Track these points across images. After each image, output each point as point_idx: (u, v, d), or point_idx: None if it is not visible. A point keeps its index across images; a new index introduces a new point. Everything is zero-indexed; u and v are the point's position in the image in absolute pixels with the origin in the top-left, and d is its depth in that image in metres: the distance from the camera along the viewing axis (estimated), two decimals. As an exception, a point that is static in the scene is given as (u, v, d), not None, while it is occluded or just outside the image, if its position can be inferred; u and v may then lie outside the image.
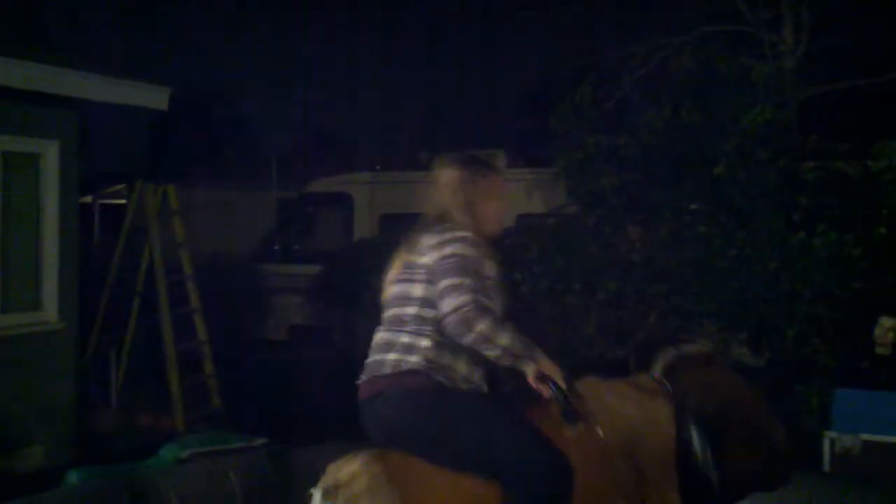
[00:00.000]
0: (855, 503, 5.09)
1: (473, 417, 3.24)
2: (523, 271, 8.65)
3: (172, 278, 7.78)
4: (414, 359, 3.27)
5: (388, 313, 3.41)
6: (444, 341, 3.28)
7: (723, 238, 8.27)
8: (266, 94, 16.69)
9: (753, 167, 8.39)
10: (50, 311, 6.92)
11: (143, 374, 7.59)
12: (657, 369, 3.54)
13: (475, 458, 3.18)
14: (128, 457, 5.43)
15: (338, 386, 8.29)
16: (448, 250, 3.30)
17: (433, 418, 3.24)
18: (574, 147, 9.29)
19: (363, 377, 3.38)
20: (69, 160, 7.09)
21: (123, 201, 9.12)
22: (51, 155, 7.03)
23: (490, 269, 3.38)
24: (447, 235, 3.34)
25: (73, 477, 4.98)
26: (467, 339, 3.20)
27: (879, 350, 6.66)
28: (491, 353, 3.22)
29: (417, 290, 3.33)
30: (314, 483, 5.25)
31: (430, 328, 3.29)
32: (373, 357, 3.38)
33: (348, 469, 3.17)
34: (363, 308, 9.74)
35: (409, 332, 3.31)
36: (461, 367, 3.32)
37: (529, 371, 3.25)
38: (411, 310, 3.32)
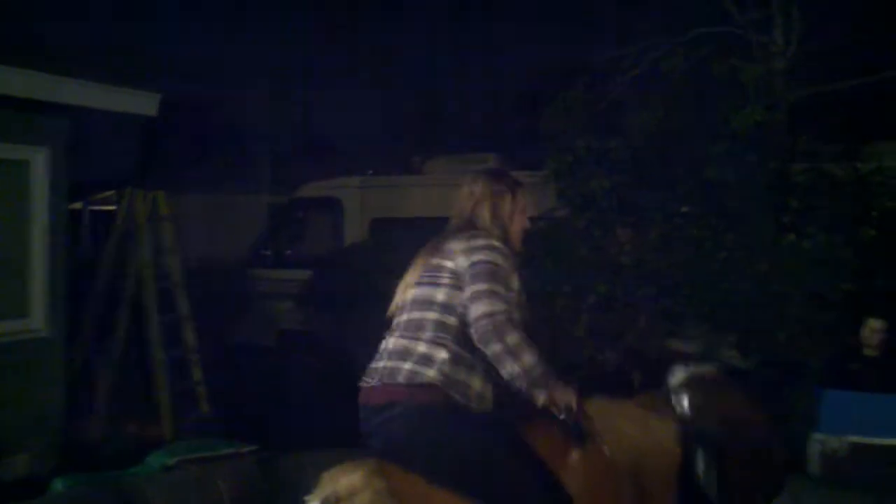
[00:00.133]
0: (840, 503, 5.08)
1: (483, 445, 3.16)
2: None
3: (162, 284, 7.77)
4: (430, 373, 3.20)
5: (406, 317, 3.34)
6: (462, 354, 3.23)
7: (713, 240, 8.28)
8: (256, 99, 16.67)
9: (743, 169, 8.40)
10: (38, 318, 6.90)
11: (131, 382, 7.57)
12: (666, 389, 3.55)
13: (479, 487, 3.11)
14: (115, 464, 5.43)
15: (327, 392, 8.34)
16: (479, 256, 3.28)
17: (443, 440, 3.17)
18: (564, 149, 9.28)
19: (371, 381, 3.29)
20: (58, 167, 7.08)
21: (113, 207, 9.11)
22: (39, 162, 7.01)
23: (516, 283, 3.35)
24: (478, 241, 3.33)
25: (58, 485, 4.97)
26: (494, 349, 3.16)
27: (867, 352, 6.67)
28: (510, 369, 3.15)
29: (440, 295, 3.28)
30: (303, 490, 5.26)
31: (449, 337, 3.24)
32: (384, 363, 3.29)
33: (348, 481, 3.10)
34: (354, 313, 9.75)
35: (427, 342, 3.24)
36: (476, 383, 3.26)
37: (540, 399, 3.17)
38: (432, 315, 3.27)
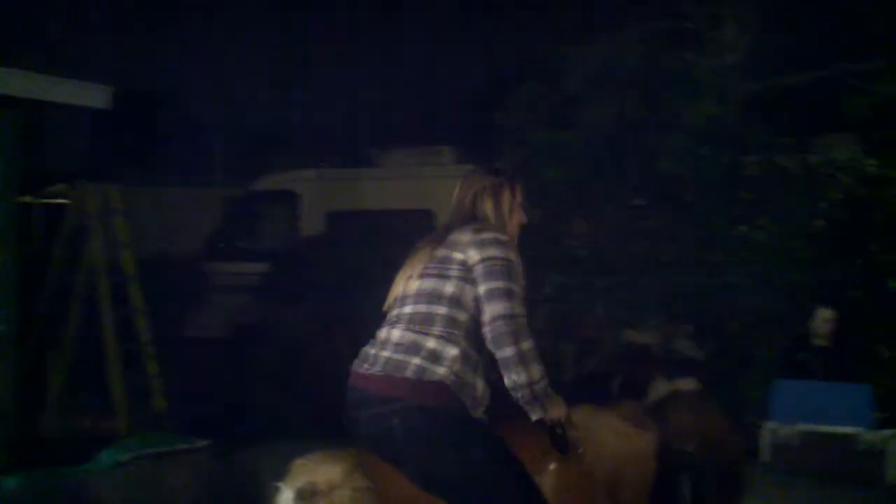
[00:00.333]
0: (791, 490, 5.17)
1: (481, 458, 3.10)
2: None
3: (115, 278, 7.68)
4: (441, 371, 3.10)
5: (411, 310, 3.22)
6: (469, 352, 3.16)
7: (666, 232, 8.38)
8: (210, 92, 16.54)
9: (697, 162, 8.50)
10: (-12, 313, 6.79)
11: (84, 377, 7.48)
12: (647, 402, 3.59)
13: (470, 498, 3.06)
14: (68, 461, 5.36)
15: (284, 386, 8.31)
16: (491, 251, 3.21)
17: (442, 445, 3.09)
18: (520, 143, 9.33)
19: (371, 368, 3.18)
20: (7, 161, 6.95)
21: (65, 201, 8.99)
22: (-13, 155, 6.88)
23: (522, 279, 3.29)
24: (486, 235, 3.26)
25: (10, 482, 4.91)
26: (507, 353, 3.10)
27: (818, 341, 6.78)
28: (516, 377, 3.09)
29: (449, 288, 3.19)
30: (258, 484, 5.25)
31: (460, 333, 3.16)
32: (389, 353, 3.16)
33: (327, 474, 2.99)
34: (311, 306, 9.73)
35: (437, 337, 3.14)
36: (479, 384, 3.19)
37: (536, 415, 3.13)
38: (442, 310, 3.17)
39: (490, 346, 3.13)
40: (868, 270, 7.51)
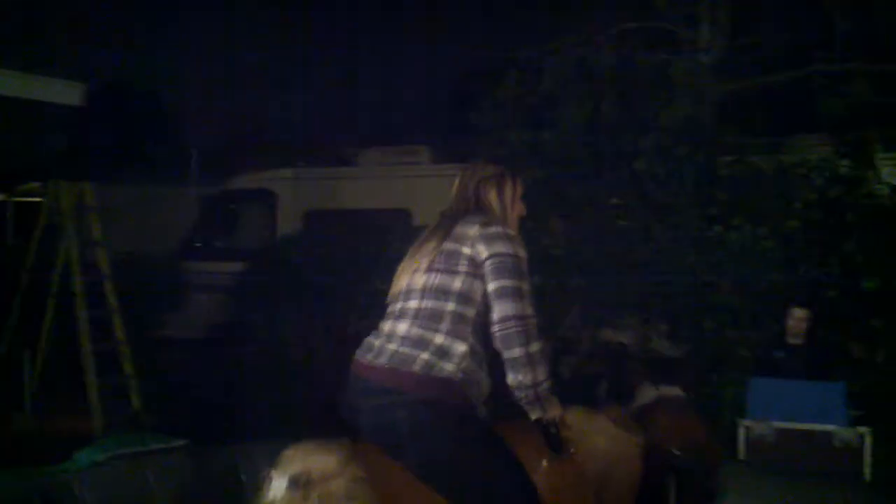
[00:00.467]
0: (768, 489, 5.21)
1: (481, 454, 3.09)
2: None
3: (89, 277, 7.63)
4: (449, 367, 3.08)
5: (418, 305, 3.18)
6: (476, 348, 3.15)
7: (642, 231, 8.41)
8: (186, 89, 16.45)
9: (672, 162, 8.54)
10: (-40, 313, 6.74)
11: (59, 376, 7.42)
12: (634, 406, 3.64)
13: (471, 495, 3.04)
14: (43, 461, 5.32)
15: (260, 386, 8.28)
16: (500, 247, 3.18)
17: (447, 441, 3.06)
18: (497, 142, 9.33)
19: (376, 359, 3.14)
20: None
21: (39, 199, 8.93)
22: (-40, 153, 6.83)
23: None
24: (494, 229, 3.22)
25: (-16, 483, 4.86)
26: (515, 354, 3.09)
27: (792, 340, 6.83)
28: (522, 378, 3.09)
29: (457, 284, 3.16)
30: (233, 484, 5.22)
31: (467, 329, 3.14)
32: (395, 346, 3.13)
33: (322, 463, 2.94)
34: (287, 306, 9.70)
35: (445, 333, 3.11)
36: (484, 381, 3.18)
37: (535, 414, 3.14)
38: (450, 306, 3.14)
39: (498, 344, 3.12)
40: (842, 270, 7.57)
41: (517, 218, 3.45)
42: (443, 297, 3.16)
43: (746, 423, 6.15)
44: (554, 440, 3.17)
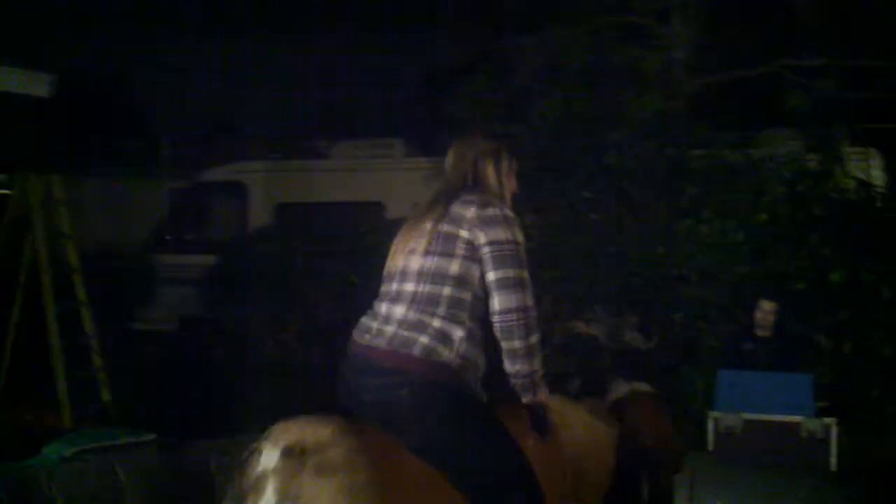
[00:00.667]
0: (736, 479, 5.26)
1: (481, 433, 3.10)
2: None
3: (58, 270, 7.56)
4: (448, 353, 3.07)
5: (414, 288, 3.15)
6: (474, 330, 3.13)
7: (613, 225, 8.45)
8: (155, 81, 16.34)
9: (643, 156, 8.59)
10: (-73, 306, 6.66)
11: (27, 370, 7.36)
12: (609, 400, 3.71)
13: (470, 475, 3.05)
14: (11, 456, 5.28)
15: (230, 379, 8.26)
16: (499, 233, 3.14)
17: (447, 420, 3.05)
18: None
19: (375, 341, 3.12)
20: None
21: (6, 191, 8.84)
22: (-75, 144, 6.75)
23: None
24: (491, 211, 3.17)
25: (-49, 478, 4.82)
26: (514, 345, 3.11)
27: (760, 332, 6.89)
28: (520, 367, 3.13)
29: (454, 267, 3.12)
30: (202, 479, 5.20)
31: (465, 314, 3.11)
32: (394, 328, 3.11)
33: (316, 434, 2.86)
34: (258, 299, 9.67)
35: (442, 318, 3.09)
36: (482, 362, 3.16)
37: (527, 399, 3.18)
38: (447, 291, 3.10)
39: (498, 335, 3.12)
40: (810, 263, 7.64)
41: (511, 193, 3.40)
42: (439, 281, 3.12)
43: (715, 414, 6.20)
44: (541, 423, 3.23)
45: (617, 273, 8.16)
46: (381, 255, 3.40)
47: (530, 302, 3.14)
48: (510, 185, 3.40)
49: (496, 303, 3.11)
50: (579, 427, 3.47)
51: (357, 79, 18.15)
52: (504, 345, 3.13)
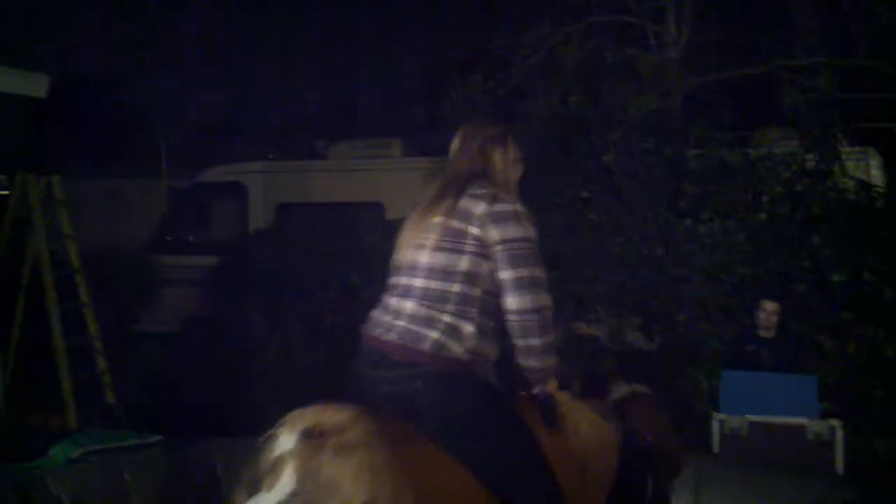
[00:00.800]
0: (741, 481, 5.29)
1: (496, 421, 3.11)
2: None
3: (60, 271, 7.56)
4: (458, 349, 3.07)
5: (423, 284, 3.13)
6: (485, 323, 3.12)
7: (612, 225, 8.46)
8: (156, 81, 16.26)
9: (640, 156, 8.60)
10: (-71, 308, 6.65)
11: (32, 371, 7.35)
12: (610, 400, 3.74)
13: (487, 462, 3.05)
14: (17, 457, 5.28)
15: (233, 380, 8.26)
16: (512, 230, 3.11)
17: (463, 410, 3.06)
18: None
19: (387, 335, 3.12)
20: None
21: (5, 192, 8.82)
22: (-74, 146, 6.74)
23: None
24: (502, 207, 3.14)
25: (-41, 480, 4.81)
26: (530, 343, 3.12)
27: (763, 333, 6.90)
28: (534, 363, 3.15)
29: (464, 264, 3.10)
30: (211, 480, 5.20)
31: (474, 310, 3.10)
32: (404, 323, 3.11)
33: (335, 418, 2.84)
34: (259, 299, 9.67)
35: (452, 314, 3.08)
36: (493, 353, 3.17)
37: (538, 389, 3.21)
38: (456, 287, 3.09)
39: (513, 332, 3.13)
40: (811, 263, 7.67)
41: (517, 178, 3.38)
42: (449, 277, 3.11)
43: (720, 416, 6.21)
44: (550, 413, 3.26)
45: (617, 273, 8.17)
46: (381, 255, 3.40)
47: (547, 301, 3.14)
48: (516, 171, 3.37)
49: (511, 302, 3.11)
50: (584, 424, 3.48)
51: (356, 79, 18.09)
52: (519, 342, 3.13)
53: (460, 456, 3.02)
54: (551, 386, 3.25)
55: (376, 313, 3.23)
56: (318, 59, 18.34)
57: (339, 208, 10.75)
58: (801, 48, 10.55)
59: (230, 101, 16.76)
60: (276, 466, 2.73)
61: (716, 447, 6.13)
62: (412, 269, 3.18)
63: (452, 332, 3.08)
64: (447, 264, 3.12)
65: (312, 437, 2.76)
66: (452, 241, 3.13)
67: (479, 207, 3.13)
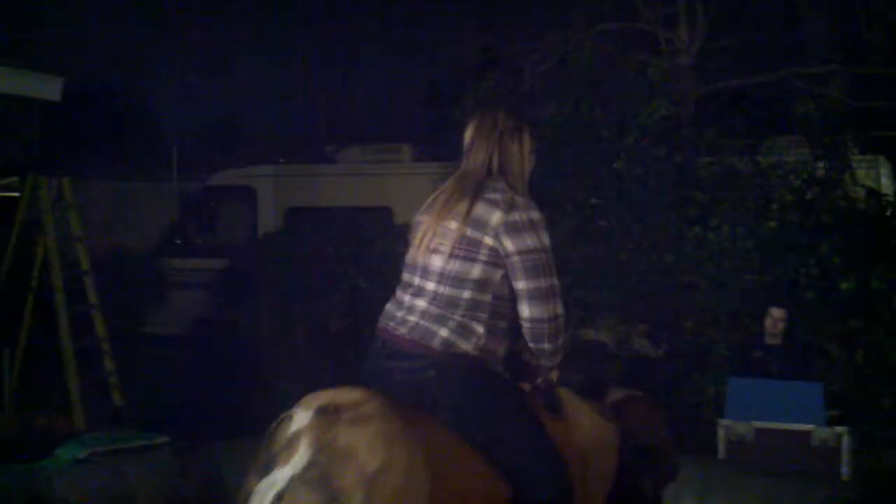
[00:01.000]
0: (746, 487, 5.27)
1: (507, 409, 3.16)
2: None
3: (69, 273, 7.60)
4: (467, 346, 3.10)
5: (435, 288, 3.14)
6: (495, 325, 3.15)
7: (621, 232, 8.46)
8: (166, 85, 16.35)
9: (651, 162, 8.60)
10: (-61, 308, 6.69)
11: (40, 373, 7.39)
12: (608, 402, 3.76)
13: (499, 449, 3.09)
14: (25, 458, 5.31)
15: (241, 383, 8.28)
16: (529, 240, 3.09)
17: (475, 399, 3.10)
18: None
19: (399, 329, 3.16)
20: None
21: (16, 194, 8.88)
22: (-62, 148, 6.79)
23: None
24: (518, 216, 3.11)
25: (-34, 480, 4.84)
26: (544, 347, 3.18)
27: (770, 340, 6.89)
28: (545, 363, 3.24)
29: (476, 272, 3.11)
30: (215, 482, 5.21)
31: (485, 315, 3.13)
32: (416, 319, 3.14)
33: (349, 395, 2.87)
34: (268, 303, 9.70)
35: (461, 316, 3.11)
36: (503, 350, 3.21)
37: (541, 379, 3.28)
38: (467, 294, 3.10)
39: (527, 336, 3.17)
40: (820, 271, 7.65)
41: (531, 170, 3.34)
42: (460, 284, 3.12)
43: (725, 422, 6.20)
44: (553, 401, 3.33)
45: (626, 280, 8.17)
46: (390, 260, 3.41)
47: (559, 309, 3.16)
48: (530, 163, 3.33)
49: (527, 311, 3.13)
50: (586, 420, 3.51)
51: (366, 84, 18.13)
52: (532, 345, 3.19)
53: (471, 440, 3.06)
54: (554, 376, 3.31)
55: (389, 307, 3.27)
56: (329, 63, 18.39)
57: (348, 212, 10.78)
58: (813, 56, 10.54)
59: (241, 104, 16.81)
60: (290, 444, 2.73)
61: (721, 453, 6.12)
62: (425, 272, 3.19)
63: (462, 330, 3.11)
64: (459, 271, 3.13)
65: (327, 413, 2.77)
66: (466, 250, 3.12)
67: (495, 217, 3.11)
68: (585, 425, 3.48)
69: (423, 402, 3.07)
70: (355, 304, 8.77)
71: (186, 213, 12.27)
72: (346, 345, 8.38)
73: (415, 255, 3.24)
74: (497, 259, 3.11)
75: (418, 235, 3.24)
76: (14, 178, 10.02)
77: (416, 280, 3.21)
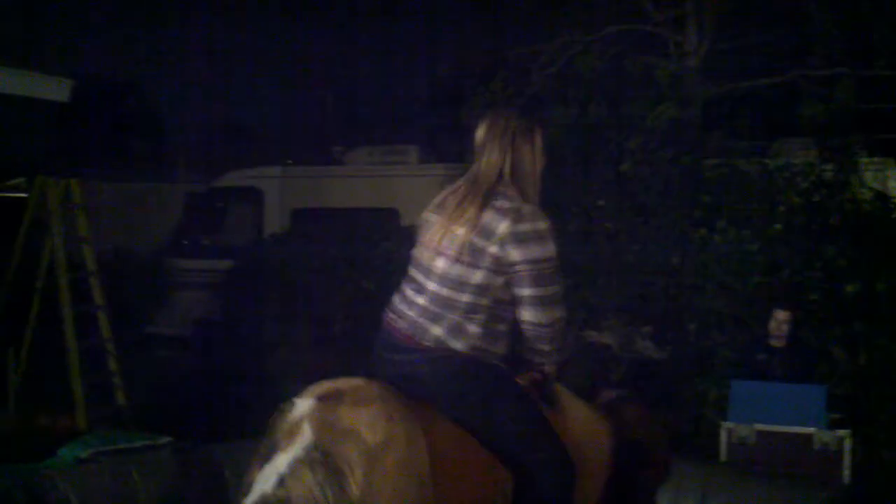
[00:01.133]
0: (748, 489, 5.26)
1: (510, 403, 3.19)
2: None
3: (75, 274, 7.63)
4: (459, 345, 3.14)
5: (436, 288, 3.18)
6: (492, 327, 3.18)
7: (627, 233, 8.45)
8: (173, 86, 16.41)
9: (657, 164, 8.59)
10: (-54, 308, 6.72)
11: (44, 373, 7.42)
12: (601, 404, 3.78)
13: (500, 439, 3.13)
14: (27, 457, 5.32)
15: (244, 384, 8.30)
16: (536, 251, 3.12)
17: (472, 389, 3.14)
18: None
19: (400, 323, 3.21)
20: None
21: (24, 195, 8.93)
22: (-54, 148, 6.82)
23: None
24: (526, 226, 3.13)
25: (-32, 479, 4.85)
26: (545, 348, 3.24)
27: (774, 342, 6.86)
28: (543, 360, 3.30)
29: (477, 277, 3.13)
30: (219, 483, 5.22)
31: (482, 318, 3.16)
32: (414, 314, 3.20)
33: (350, 382, 2.97)
34: (273, 304, 9.72)
35: (459, 316, 3.15)
36: (500, 349, 3.23)
37: (536, 371, 3.32)
38: (466, 297, 3.14)
39: (528, 337, 3.22)
40: (825, 274, 7.62)
41: (541, 169, 3.34)
42: (460, 288, 3.15)
43: (728, 424, 6.19)
44: (549, 392, 3.37)
45: (631, 282, 8.16)
46: (396, 261, 3.43)
47: (562, 313, 3.22)
48: (542, 163, 3.33)
49: (530, 315, 3.17)
50: (580, 415, 3.53)
51: (374, 85, 18.16)
52: (535, 345, 3.24)
53: (470, 427, 3.11)
54: (550, 369, 3.33)
55: (396, 299, 3.32)
56: (336, 64, 18.42)
57: (354, 214, 10.80)
58: (821, 58, 10.49)
59: (249, 105, 16.86)
60: (292, 429, 2.79)
61: (723, 456, 6.11)
62: (428, 272, 3.22)
63: (456, 330, 3.15)
64: (461, 276, 3.15)
65: (329, 398, 2.85)
66: (470, 257, 3.14)
67: (502, 226, 3.12)
68: (580, 420, 3.50)
69: (419, 392, 3.12)
70: (361, 306, 8.79)
71: (193, 213, 12.30)
72: (350, 345, 8.40)
73: (421, 253, 3.28)
74: (499, 267, 3.13)
75: (427, 235, 3.27)
76: (22, 179, 10.09)
77: (420, 277, 3.25)
